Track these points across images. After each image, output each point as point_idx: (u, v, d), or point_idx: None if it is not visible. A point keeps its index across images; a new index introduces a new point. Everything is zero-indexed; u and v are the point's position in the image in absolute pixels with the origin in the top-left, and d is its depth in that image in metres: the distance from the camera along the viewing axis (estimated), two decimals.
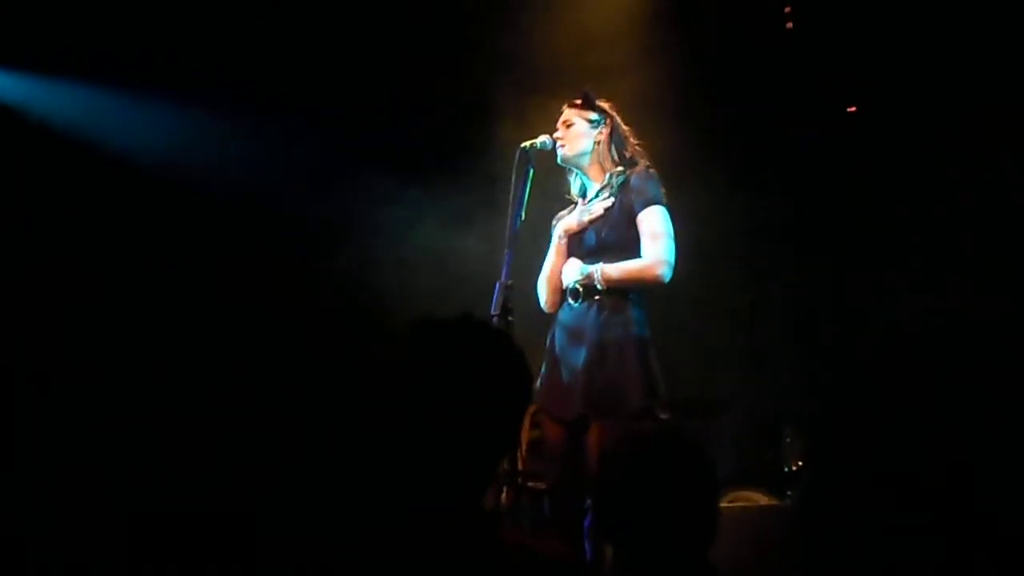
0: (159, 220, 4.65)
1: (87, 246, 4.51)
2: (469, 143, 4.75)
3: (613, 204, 3.28)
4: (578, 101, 3.39)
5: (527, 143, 3.28)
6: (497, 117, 4.37)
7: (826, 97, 5.03)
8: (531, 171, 3.26)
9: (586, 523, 3.19)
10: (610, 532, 1.98)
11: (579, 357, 3.19)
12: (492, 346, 1.54)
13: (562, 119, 3.39)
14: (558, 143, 3.34)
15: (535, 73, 4.39)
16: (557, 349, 3.27)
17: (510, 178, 3.39)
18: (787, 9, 5.01)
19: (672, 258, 3.23)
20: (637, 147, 3.39)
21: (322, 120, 4.84)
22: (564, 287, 3.29)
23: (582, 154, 3.36)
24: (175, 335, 4.37)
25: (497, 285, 3.02)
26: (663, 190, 3.29)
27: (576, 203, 3.46)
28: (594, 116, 3.36)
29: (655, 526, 1.89)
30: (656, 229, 3.22)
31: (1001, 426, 0.93)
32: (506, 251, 3.12)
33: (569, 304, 3.27)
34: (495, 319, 2.95)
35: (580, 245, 3.31)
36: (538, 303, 3.41)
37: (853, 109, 5.11)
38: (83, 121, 4.73)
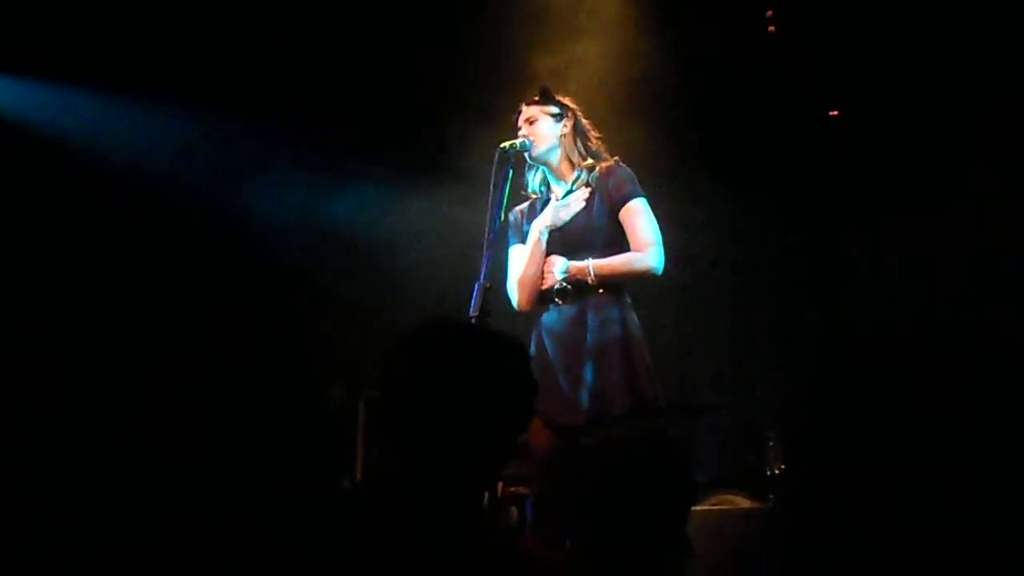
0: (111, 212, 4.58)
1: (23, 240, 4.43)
2: (429, 138, 4.72)
3: (592, 198, 3.25)
4: (536, 97, 3.36)
5: (507, 144, 3.25)
6: (461, 114, 4.35)
7: (808, 101, 5.03)
8: (511, 172, 3.25)
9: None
10: (587, 529, 1.96)
11: (580, 362, 3.13)
12: (502, 350, 1.52)
13: (524, 117, 3.34)
14: (526, 139, 3.29)
15: (506, 72, 4.35)
16: (550, 354, 3.19)
17: (468, 174, 3.36)
18: (769, 13, 5.02)
19: (662, 248, 3.22)
20: (599, 139, 3.38)
21: (278, 113, 4.77)
22: (548, 287, 3.22)
23: (551, 149, 3.33)
24: (132, 340, 4.28)
25: (476, 286, 3.00)
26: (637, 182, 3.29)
27: (535, 198, 3.40)
28: (555, 110, 3.33)
29: (629, 523, 1.88)
30: (642, 221, 3.22)
31: (983, 423, 0.91)
32: (485, 252, 3.09)
33: (556, 305, 3.22)
34: (474, 320, 2.93)
35: (563, 241, 3.25)
36: (510, 303, 3.32)
37: (835, 113, 5.12)
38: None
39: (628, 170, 3.29)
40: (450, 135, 4.44)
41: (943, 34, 4.60)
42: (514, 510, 3.63)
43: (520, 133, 3.32)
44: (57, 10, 4.44)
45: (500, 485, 3.44)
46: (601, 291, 3.18)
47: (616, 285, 3.22)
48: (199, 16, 4.58)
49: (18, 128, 4.65)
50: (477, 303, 2.96)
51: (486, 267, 3.05)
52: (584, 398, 3.12)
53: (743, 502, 4.14)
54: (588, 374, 3.13)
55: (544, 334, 3.22)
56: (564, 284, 3.19)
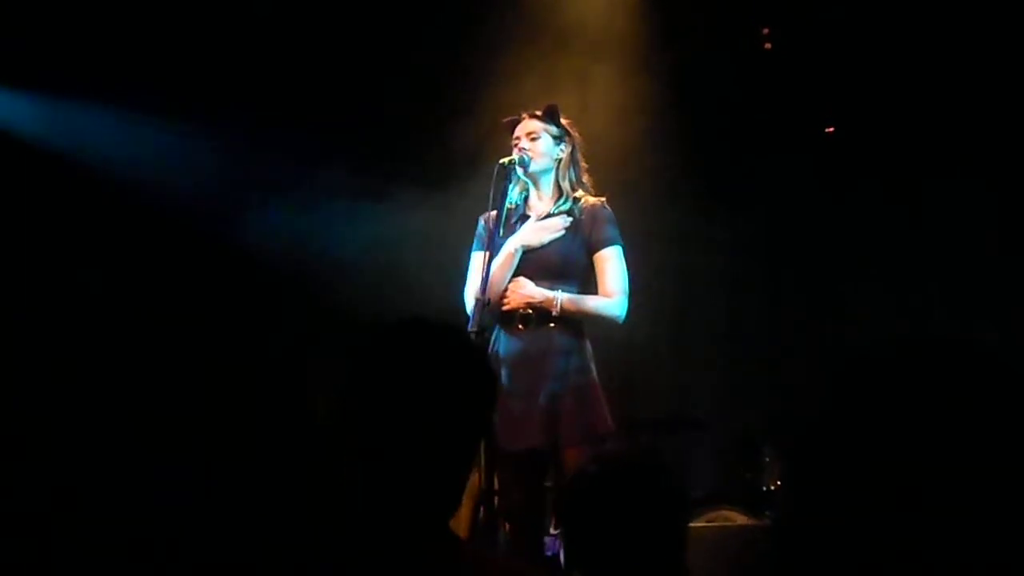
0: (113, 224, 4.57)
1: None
2: (423, 149, 4.72)
3: (572, 229, 3.22)
4: (539, 113, 3.32)
5: (505, 159, 3.23)
6: (459, 130, 4.36)
7: (804, 117, 5.06)
8: (510, 186, 3.23)
9: (550, 548, 3.15)
10: (581, 557, 1.95)
11: (537, 386, 3.09)
12: (450, 348, 1.42)
13: (525, 130, 3.29)
14: (524, 154, 3.24)
15: (508, 85, 4.34)
16: (504, 378, 3.12)
17: (459, 181, 3.34)
18: (766, 30, 5.05)
19: (627, 299, 3.22)
20: (588, 175, 3.36)
21: (267, 122, 4.75)
22: (510, 308, 3.15)
23: (546, 169, 3.29)
24: (120, 347, 4.27)
25: (476, 301, 2.98)
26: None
27: (509, 209, 3.30)
28: (556, 131, 3.29)
29: (624, 548, 1.87)
30: (615, 268, 3.21)
31: (980, 440, 0.92)
32: (484, 266, 3.07)
33: (517, 331, 3.15)
34: (473, 336, 2.90)
35: (535, 265, 3.20)
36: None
37: (831, 130, 5.14)
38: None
39: (612, 213, 3.27)
40: (447, 148, 4.45)
41: (937, 52, 4.63)
42: (507, 526, 3.61)
43: (520, 145, 3.27)
44: (65, 26, 4.46)
45: (493, 499, 3.42)
46: (564, 321, 3.15)
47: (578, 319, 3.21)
48: (198, 33, 4.59)
49: (30, 145, 4.66)
50: (476, 318, 2.95)
51: (485, 282, 3.02)
52: (542, 424, 3.07)
53: (739, 518, 4.14)
54: (547, 400, 3.08)
55: (501, 359, 3.15)
56: (528, 311, 3.15)
